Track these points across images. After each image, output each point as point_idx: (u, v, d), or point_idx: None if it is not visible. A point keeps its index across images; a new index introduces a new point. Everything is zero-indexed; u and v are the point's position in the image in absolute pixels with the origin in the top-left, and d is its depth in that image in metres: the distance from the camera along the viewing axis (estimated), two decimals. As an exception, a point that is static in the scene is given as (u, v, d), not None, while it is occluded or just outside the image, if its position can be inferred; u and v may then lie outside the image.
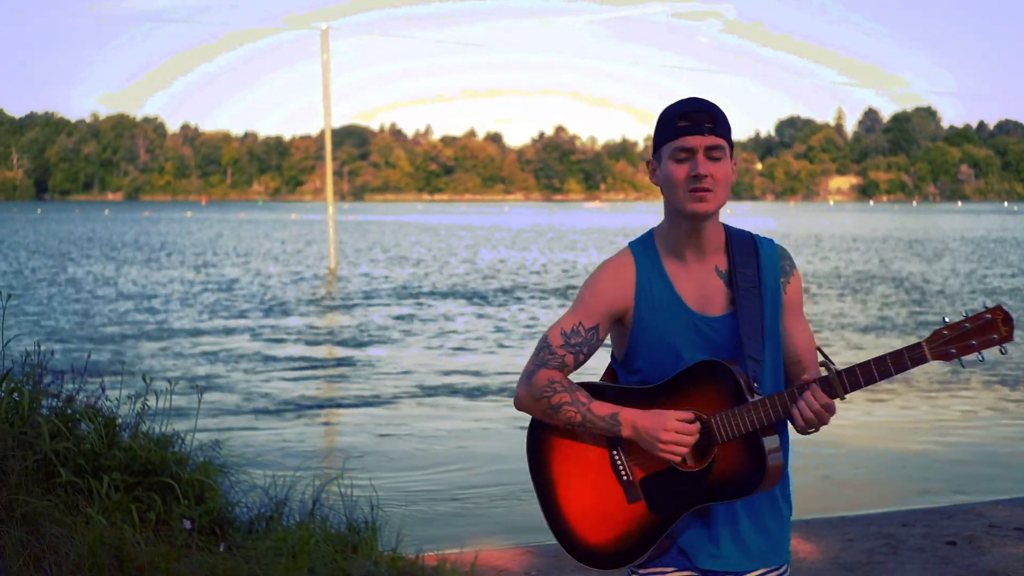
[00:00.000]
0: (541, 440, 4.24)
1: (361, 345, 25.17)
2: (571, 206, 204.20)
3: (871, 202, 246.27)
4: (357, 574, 7.97)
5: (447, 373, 21.07)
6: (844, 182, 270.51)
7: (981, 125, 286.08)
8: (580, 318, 4.15)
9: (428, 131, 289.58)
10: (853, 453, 14.10)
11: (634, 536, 4.04)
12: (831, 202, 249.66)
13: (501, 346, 25.06)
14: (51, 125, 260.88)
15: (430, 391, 19.13)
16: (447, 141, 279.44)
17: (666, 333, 4.05)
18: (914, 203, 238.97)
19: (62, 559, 7.45)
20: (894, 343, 24.77)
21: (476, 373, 21.03)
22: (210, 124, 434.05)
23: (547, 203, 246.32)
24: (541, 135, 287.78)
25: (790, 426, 4.06)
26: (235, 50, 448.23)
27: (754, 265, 4.08)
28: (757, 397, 3.92)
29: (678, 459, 3.94)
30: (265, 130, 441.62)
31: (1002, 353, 3.78)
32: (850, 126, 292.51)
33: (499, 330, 27.98)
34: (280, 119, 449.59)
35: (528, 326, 28.68)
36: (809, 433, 3.94)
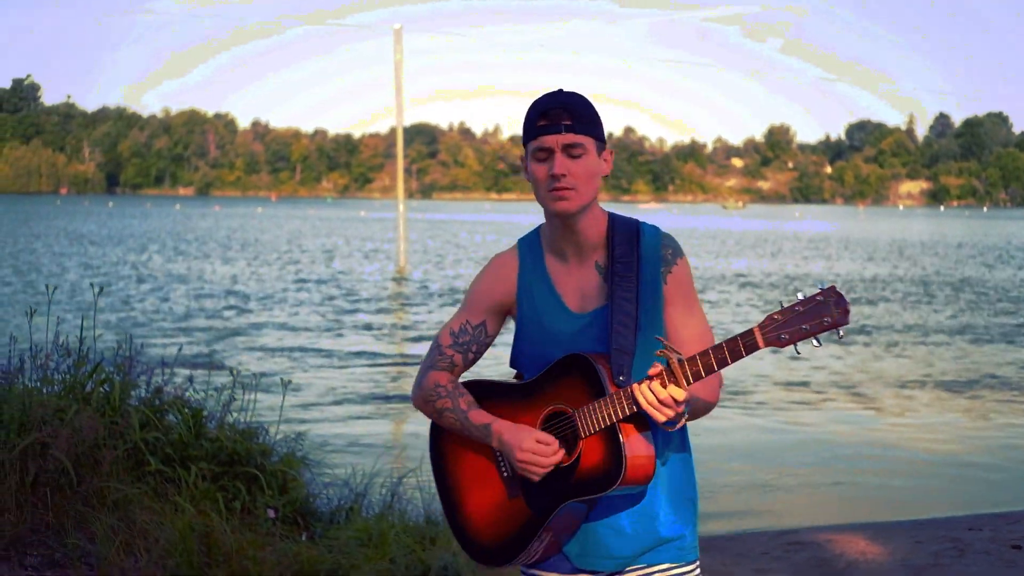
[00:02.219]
0: (438, 439, 4.25)
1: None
2: (636, 208, 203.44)
3: (941, 207, 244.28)
4: (437, 565, 8.14)
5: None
6: (914, 187, 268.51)
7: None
8: (467, 316, 4.19)
9: (497, 130, 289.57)
10: (919, 457, 14.18)
11: (515, 531, 3.99)
12: (901, 207, 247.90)
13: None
14: (124, 119, 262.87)
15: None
16: (516, 141, 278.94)
17: (542, 330, 4.04)
18: (985, 209, 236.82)
19: (152, 545, 7.68)
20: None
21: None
22: (280, 121, 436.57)
23: (614, 203, 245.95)
24: (610, 136, 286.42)
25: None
26: (304, 47, 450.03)
27: (633, 255, 3.98)
28: (615, 390, 3.80)
29: (534, 478, 3.87)
30: (335, 127, 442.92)
31: (838, 337, 3.56)
32: (921, 131, 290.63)
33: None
34: (350, 116, 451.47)
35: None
36: (668, 428, 3.75)
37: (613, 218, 4.09)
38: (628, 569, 4.00)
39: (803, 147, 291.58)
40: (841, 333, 3.54)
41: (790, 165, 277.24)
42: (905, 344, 25.72)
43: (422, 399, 4.19)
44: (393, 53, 52.55)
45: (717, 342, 3.71)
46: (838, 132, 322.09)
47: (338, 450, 12.36)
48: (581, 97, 3.97)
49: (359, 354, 23.25)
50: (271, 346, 24.23)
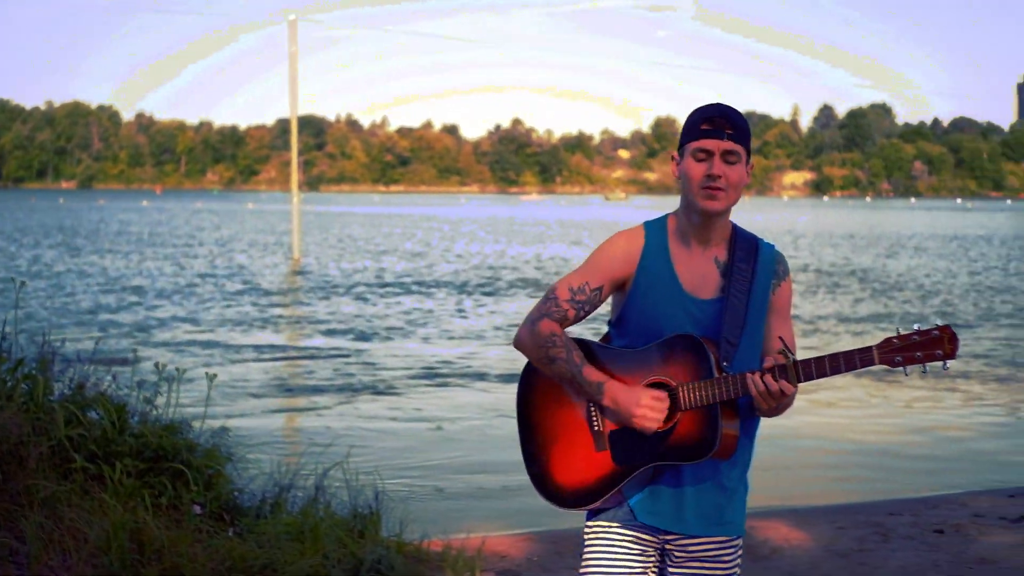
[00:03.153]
0: (529, 385, 4.61)
1: (355, 334, 25.36)
2: (519, 200, 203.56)
3: (825, 198, 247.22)
4: (369, 559, 8.08)
5: (446, 361, 21.29)
6: (798, 177, 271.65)
7: (936, 122, 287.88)
8: (587, 278, 4.49)
9: (384, 122, 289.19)
10: (835, 445, 14.33)
11: (594, 481, 4.37)
12: (785, 197, 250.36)
13: (496, 335, 25.27)
14: (5, 112, 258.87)
15: (430, 379, 19.34)
16: (403, 132, 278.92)
17: (656, 306, 4.40)
18: (868, 199, 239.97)
19: (81, 544, 7.55)
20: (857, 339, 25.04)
21: (476, 361, 21.26)
22: (165, 113, 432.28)
23: (501, 195, 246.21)
24: (497, 127, 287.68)
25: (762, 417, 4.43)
26: (190, 39, 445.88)
27: (752, 263, 4.43)
28: (723, 375, 4.24)
29: (649, 431, 4.25)
30: (220, 119, 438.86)
31: (944, 369, 4.08)
32: (805, 122, 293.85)
33: (493, 319, 28.29)
34: (235, 108, 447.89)
35: (519, 314, 28.98)
36: (767, 414, 4.27)
37: (736, 228, 4.53)
38: (687, 538, 4.43)
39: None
40: (948, 366, 4.09)
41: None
42: (822, 334, 25.98)
43: (534, 343, 4.48)
44: (288, 44, 52.06)
45: (835, 352, 4.14)
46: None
47: (260, 444, 12.23)
48: (739, 112, 4.41)
49: (262, 347, 23.12)
50: (178, 341, 23.99)
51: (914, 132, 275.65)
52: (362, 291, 35.42)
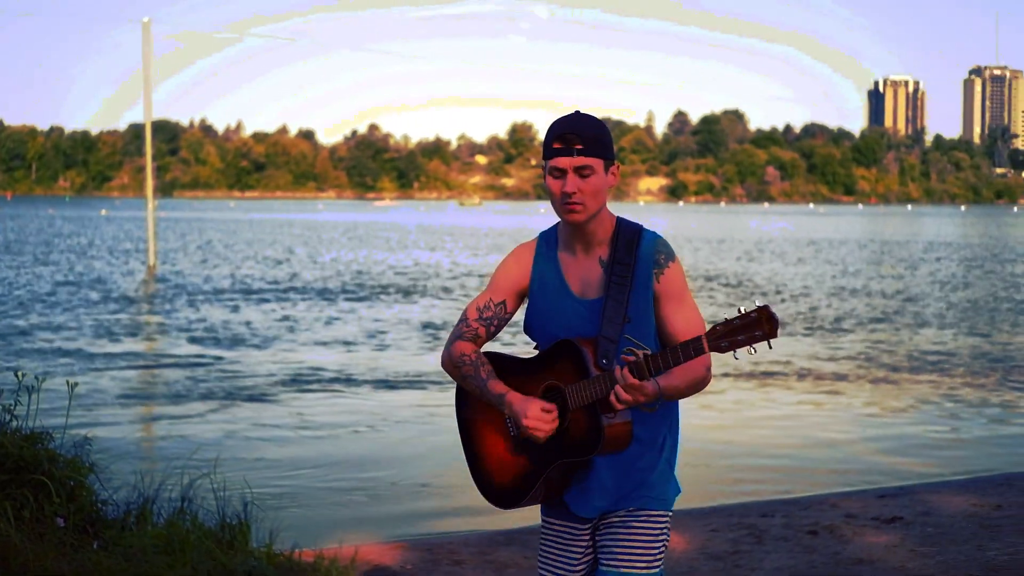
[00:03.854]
0: (463, 400, 4.96)
1: (218, 341, 24.93)
2: (372, 205, 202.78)
3: (680, 203, 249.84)
4: (240, 570, 7.89)
5: (315, 368, 21.01)
6: (654, 183, 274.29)
7: (787, 128, 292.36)
8: (491, 295, 4.86)
9: (240, 127, 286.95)
10: (705, 446, 14.34)
11: (519, 480, 4.70)
12: (641, 202, 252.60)
13: (362, 342, 24.98)
14: None
15: (298, 385, 19.04)
16: (259, 137, 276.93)
17: (550, 310, 4.73)
18: (722, 204, 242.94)
19: (-59, 559, 7.29)
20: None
21: (344, 367, 20.98)
22: (15, 117, 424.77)
23: (359, 200, 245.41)
24: (354, 132, 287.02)
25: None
26: (43, 43, 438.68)
27: (632, 256, 4.65)
28: (598, 372, 4.49)
29: (538, 440, 4.55)
30: (72, 124, 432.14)
31: (769, 348, 4.31)
32: (660, 128, 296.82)
33: (362, 325, 28.01)
34: (88, 113, 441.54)
35: (377, 320, 28.74)
36: (645, 408, 4.48)
37: (620, 222, 4.76)
38: (610, 514, 4.71)
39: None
40: (771, 345, 4.29)
41: (533, 162, 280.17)
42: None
43: (451, 364, 4.85)
44: (142, 47, 51.22)
45: (674, 345, 4.41)
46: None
47: (123, 454, 11.96)
48: (593, 122, 4.65)
49: (122, 355, 22.64)
50: (36, 349, 23.42)
51: (767, 138, 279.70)
52: (223, 298, 34.92)
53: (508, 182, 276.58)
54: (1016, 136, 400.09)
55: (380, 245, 69.13)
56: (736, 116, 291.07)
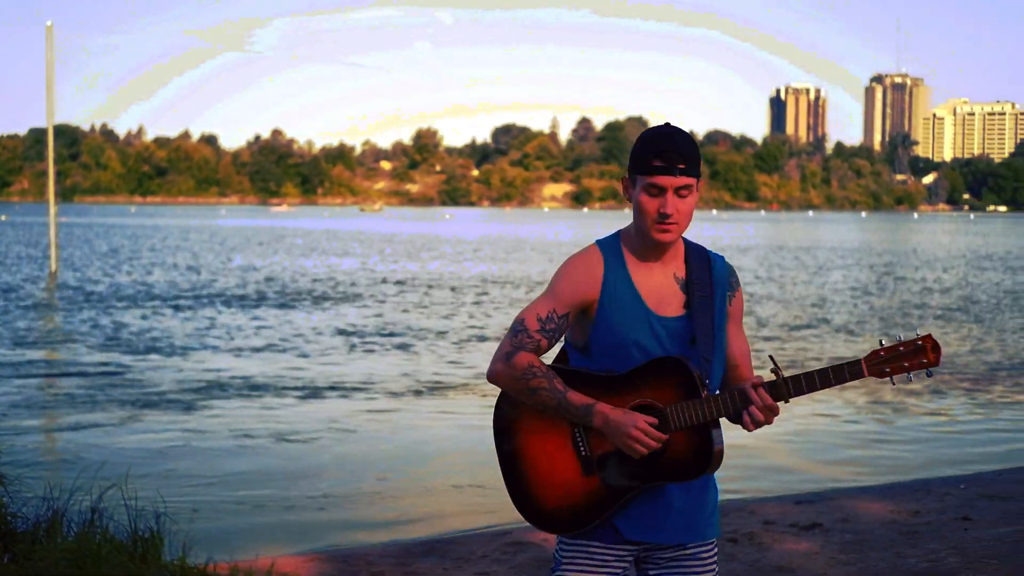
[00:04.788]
0: (507, 412, 4.63)
1: (127, 349, 24.49)
2: (269, 211, 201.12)
3: (585, 209, 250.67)
4: (155, 583, 7.73)
5: (231, 376, 20.70)
6: (558, 189, 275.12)
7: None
8: (554, 305, 4.53)
9: (141, 132, 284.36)
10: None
11: (584, 506, 4.43)
12: (546, 209, 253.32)
13: (271, 349, 24.68)
14: None
15: (209, 395, 18.66)
16: (160, 142, 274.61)
17: (625, 327, 4.45)
18: (626, 211, 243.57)
19: None
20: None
21: (254, 377, 20.61)
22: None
23: (260, 206, 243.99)
24: (257, 138, 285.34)
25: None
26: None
27: (707, 276, 4.53)
28: (707, 393, 4.35)
29: (639, 454, 4.31)
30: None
31: (928, 376, 4.29)
32: (564, 134, 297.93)
33: (279, 332, 27.73)
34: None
35: (290, 326, 28.46)
36: (751, 430, 4.37)
37: (687, 242, 4.62)
38: (668, 544, 4.50)
39: (450, 150, 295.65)
40: (932, 373, 4.27)
41: (438, 168, 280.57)
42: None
43: (511, 377, 4.51)
44: (45, 51, 50.40)
45: (823, 367, 4.32)
46: (484, 136, 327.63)
47: (31, 465, 11.72)
48: (690, 139, 4.46)
49: (27, 364, 22.26)
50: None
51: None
52: (129, 305, 34.39)
53: (413, 188, 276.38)
54: (916, 143, 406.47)
55: (288, 251, 68.62)
56: (640, 123, 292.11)
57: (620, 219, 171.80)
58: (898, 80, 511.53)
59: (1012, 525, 10.17)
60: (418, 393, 18.96)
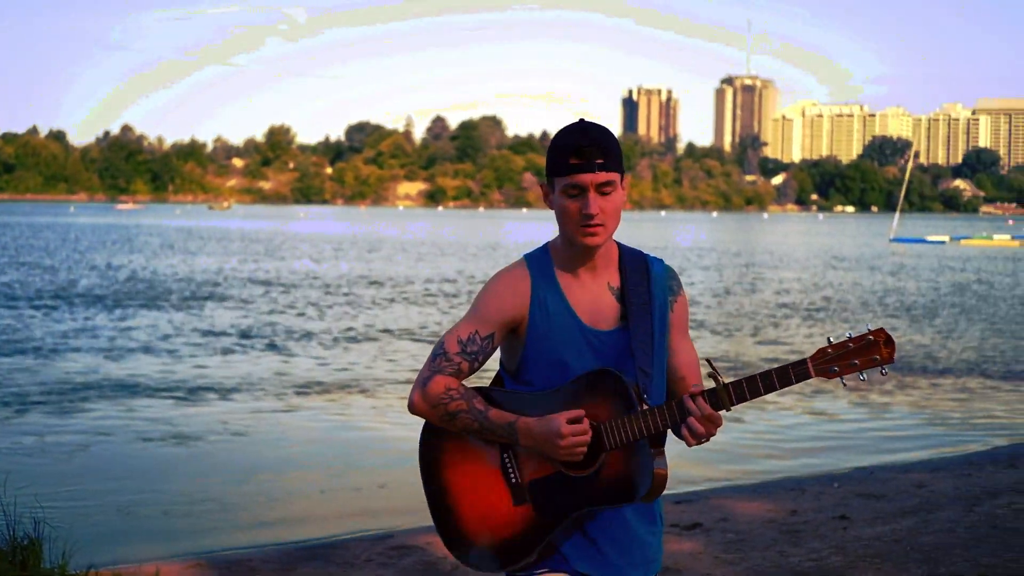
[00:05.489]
0: (433, 444, 4.33)
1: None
2: (113, 209, 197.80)
3: (439, 208, 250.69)
4: (40, 591, 7.58)
5: (98, 379, 20.16)
6: (412, 188, 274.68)
7: (544, 134, 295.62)
8: (476, 327, 4.25)
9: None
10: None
11: (519, 538, 4.14)
12: (400, 207, 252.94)
13: (141, 351, 24.15)
14: None
15: (82, 397, 18.20)
16: (8, 138, 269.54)
17: (558, 345, 4.18)
18: (481, 209, 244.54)
19: None
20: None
21: (127, 379, 20.16)
22: None
23: (109, 204, 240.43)
24: (107, 134, 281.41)
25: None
26: None
27: (645, 283, 4.25)
28: (646, 406, 4.05)
29: (579, 458, 4.03)
30: None
31: (882, 374, 4.00)
32: (419, 133, 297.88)
33: (133, 334, 27.10)
34: None
35: (155, 322, 27.96)
36: (692, 444, 4.01)
37: (621, 247, 4.34)
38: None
39: (304, 148, 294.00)
40: (885, 371, 3.97)
41: (291, 166, 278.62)
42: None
43: (427, 404, 4.22)
44: None
45: (766, 370, 3.99)
46: (338, 134, 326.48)
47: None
48: (608, 132, 4.18)
49: None
50: None
51: (524, 144, 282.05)
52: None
53: (265, 185, 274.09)
54: (765, 144, 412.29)
55: (144, 250, 67.60)
56: (494, 122, 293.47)
57: (475, 219, 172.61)
58: (748, 82, 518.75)
59: (889, 524, 10.35)
60: (294, 395, 18.80)
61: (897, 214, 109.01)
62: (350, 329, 28.67)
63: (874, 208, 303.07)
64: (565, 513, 4.08)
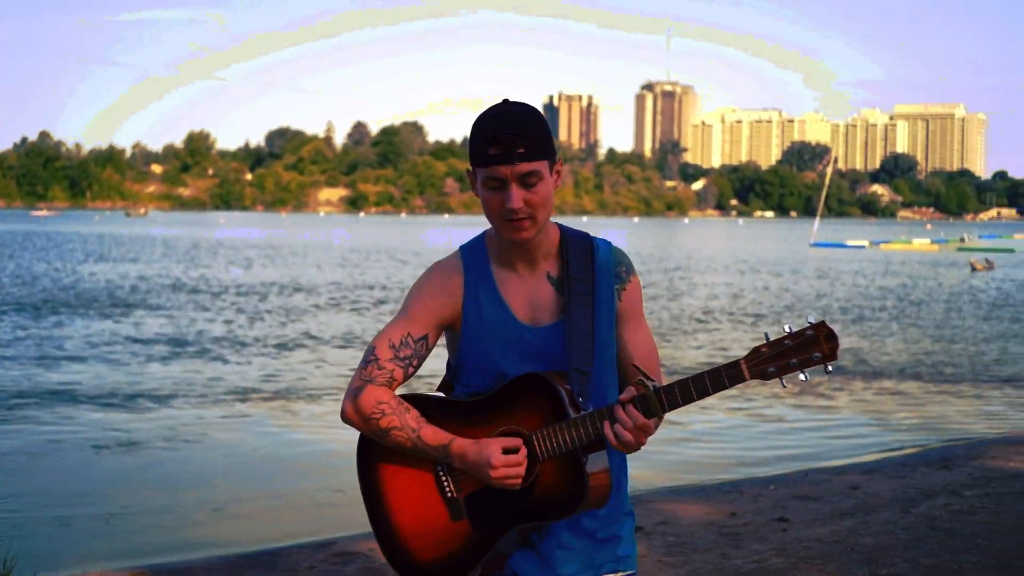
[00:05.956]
0: (369, 455, 4.03)
1: None
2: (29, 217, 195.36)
3: (361, 214, 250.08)
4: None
5: (27, 387, 19.87)
6: (334, 194, 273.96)
7: (466, 140, 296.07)
8: (408, 328, 3.94)
9: None
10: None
11: (459, 554, 3.89)
12: (322, 213, 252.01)
13: (72, 359, 23.76)
14: None
15: (11, 407, 17.93)
16: None
17: (493, 345, 3.90)
18: (403, 215, 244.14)
19: None
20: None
21: (60, 387, 19.84)
22: None
23: (27, 211, 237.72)
24: (24, 140, 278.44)
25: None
26: None
27: (589, 270, 3.92)
28: (579, 413, 3.76)
29: (515, 487, 3.78)
30: None
31: (826, 372, 3.68)
32: (340, 139, 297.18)
33: (63, 342, 26.68)
34: None
35: (84, 329, 27.62)
36: (627, 451, 3.74)
37: (564, 230, 4.00)
38: None
39: (223, 154, 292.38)
40: (829, 368, 3.64)
41: (210, 172, 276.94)
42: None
43: (359, 417, 3.90)
44: None
45: (698, 372, 3.68)
46: (258, 139, 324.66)
47: None
48: (533, 114, 3.80)
49: None
50: None
51: (445, 150, 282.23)
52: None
53: (185, 192, 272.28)
54: (685, 150, 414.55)
55: (68, 256, 66.83)
56: (415, 128, 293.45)
57: (397, 225, 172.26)
58: (668, 88, 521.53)
59: (827, 526, 10.40)
60: (234, 402, 18.63)
61: (817, 219, 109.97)
62: (281, 336, 28.46)
63: (793, 213, 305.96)
64: (502, 528, 3.83)
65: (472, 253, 3.99)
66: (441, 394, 4.05)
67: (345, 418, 3.95)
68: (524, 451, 3.77)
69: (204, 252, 74.24)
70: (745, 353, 3.67)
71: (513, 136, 3.71)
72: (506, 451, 3.77)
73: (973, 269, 65.20)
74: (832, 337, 3.59)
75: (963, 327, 33.13)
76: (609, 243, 4.01)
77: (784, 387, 3.75)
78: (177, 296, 39.80)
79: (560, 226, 3.99)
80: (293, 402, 18.70)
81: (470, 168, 3.89)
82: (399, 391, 4.00)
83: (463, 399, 3.94)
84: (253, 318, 32.66)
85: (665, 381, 3.76)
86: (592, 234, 4.03)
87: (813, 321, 3.62)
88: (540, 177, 3.76)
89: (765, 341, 3.66)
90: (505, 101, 3.85)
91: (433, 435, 3.84)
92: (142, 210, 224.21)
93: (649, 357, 4.00)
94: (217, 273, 52.94)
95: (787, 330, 3.63)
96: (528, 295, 3.93)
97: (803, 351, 3.60)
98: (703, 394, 3.64)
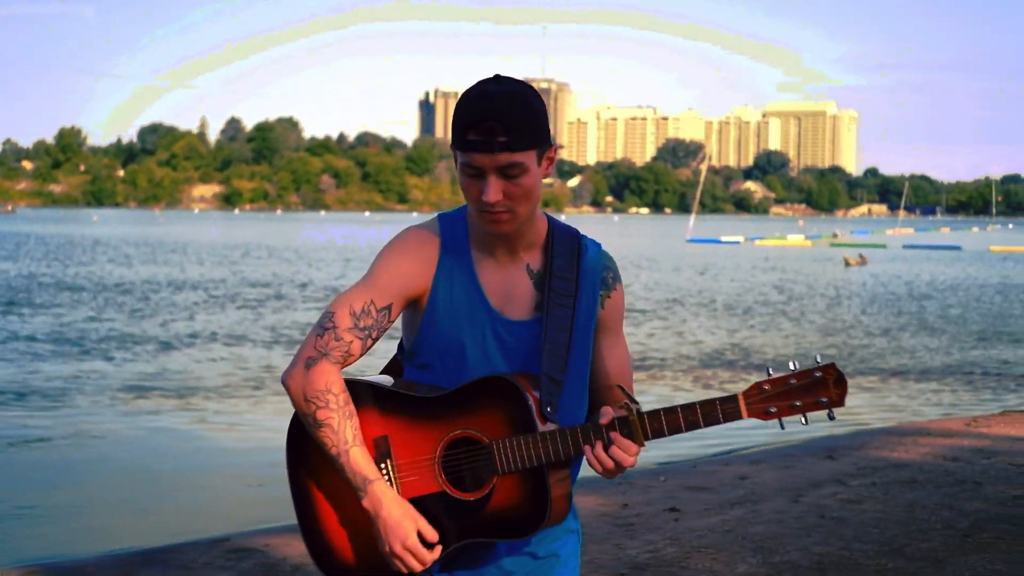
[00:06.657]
0: (300, 446, 3.65)
1: None
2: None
3: (236, 211, 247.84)
4: None
5: None
6: (207, 190, 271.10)
7: (342, 136, 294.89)
8: (372, 295, 3.53)
9: None
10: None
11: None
12: (196, 210, 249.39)
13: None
14: None
15: None
16: None
17: (459, 329, 3.54)
18: (278, 212, 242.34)
19: None
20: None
21: None
22: None
23: None
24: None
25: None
26: None
27: (574, 270, 3.60)
28: (548, 427, 3.45)
29: (402, 571, 3.49)
30: None
31: (830, 419, 3.37)
32: (213, 135, 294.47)
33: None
34: None
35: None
36: (607, 478, 3.50)
37: (553, 223, 3.67)
38: None
39: (95, 150, 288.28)
40: (834, 415, 3.36)
41: (82, 168, 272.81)
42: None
43: (302, 395, 3.51)
44: None
45: (690, 402, 3.42)
46: (131, 135, 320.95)
47: None
48: (521, 96, 3.44)
49: None
50: None
51: (321, 146, 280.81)
52: None
53: (56, 188, 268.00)
54: (561, 147, 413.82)
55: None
56: (291, 123, 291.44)
57: (272, 222, 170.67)
58: (544, 86, 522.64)
59: (718, 515, 10.53)
60: (129, 399, 18.48)
61: (693, 216, 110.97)
62: (170, 332, 28.21)
63: (668, 210, 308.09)
64: (447, 543, 3.51)
65: (452, 225, 3.65)
66: (394, 382, 3.69)
67: (286, 384, 3.56)
68: (438, 550, 3.49)
69: (83, 249, 73.13)
70: (746, 387, 3.41)
71: (494, 122, 3.37)
72: (423, 540, 3.49)
73: (847, 264, 66.31)
74: (841, 382, 3.34)
75: (847, 321, 33.77)
76: (599, 245, 3.72)
77: (783, 429, 3.46)
78: (59, 294, 39.17)
79: (549, 218, 3.69)
80: (187, 399, 18.54)
81: (453, 151, 3.55)
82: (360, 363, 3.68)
83: (421, 393, 3.56)
84: (136, 315, 32.29)
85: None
86: (582, 232, 3.75)
87: (820, 360, 3.38)
88: (523, 169, 3.42)
89: (767, 376, 3.42)
90: (496, 78, 3.50)
91: (362, 461, 3.48)
92: (9, 207, 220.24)
93: (624, 375, 3.73)
94: (96, 270, 52.16)
95: (793, 366, 3.38)
96: (503, 284, 3.60)
97: (809, 393, 3.36)
98: (692, 427, 3.40)
